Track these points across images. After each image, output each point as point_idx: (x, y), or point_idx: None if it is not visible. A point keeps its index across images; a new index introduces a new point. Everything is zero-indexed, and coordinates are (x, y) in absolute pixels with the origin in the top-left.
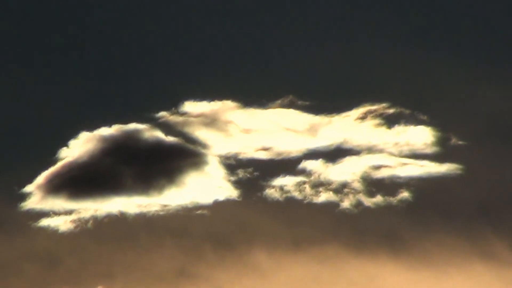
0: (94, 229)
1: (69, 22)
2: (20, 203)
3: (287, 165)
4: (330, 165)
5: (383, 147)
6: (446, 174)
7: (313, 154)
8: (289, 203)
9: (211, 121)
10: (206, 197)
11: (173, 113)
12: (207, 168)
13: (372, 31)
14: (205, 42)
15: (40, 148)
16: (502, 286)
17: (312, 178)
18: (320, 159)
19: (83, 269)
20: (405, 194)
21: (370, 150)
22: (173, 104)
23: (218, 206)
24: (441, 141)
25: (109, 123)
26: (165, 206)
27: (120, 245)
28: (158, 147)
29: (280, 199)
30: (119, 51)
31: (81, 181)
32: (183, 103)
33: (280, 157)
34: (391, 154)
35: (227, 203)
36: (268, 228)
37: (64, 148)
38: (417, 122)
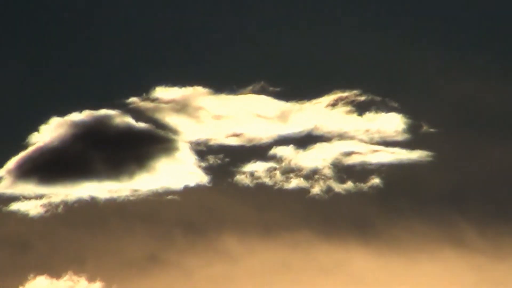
0: (64, 214)
1: (38, 8)
2: None
3: (258, 151)
4: (300, 151)
5: (354, 134)
6: (416, 161)
7: (284, 141)
8: (260, 189)
9: (181, 107)
10: (176, 183)
11: (143, 99)
12: (177, 154)
13: (343, 18)
14: (176, 27)
15: (11, 133)
16: (472, 272)
17: (283, 164)
18: (291, 146)
19: (53, 254)
20: (375, 181)
21: (341, 136)
22: (143, 90)
23: (188, 192)
24: (412, 128)
25: (79, 109)
26: (136, 191)
27: (90, 230)
28: (128, 132)
29: (251, 185)
30: (89, 37)
31: (51, 166)
32: (153, 89)
33: (251, 143)
34: (362, 141)
35: (198, 188)
36: (238, 214)
37: (35, 133)
38: (388, 109)
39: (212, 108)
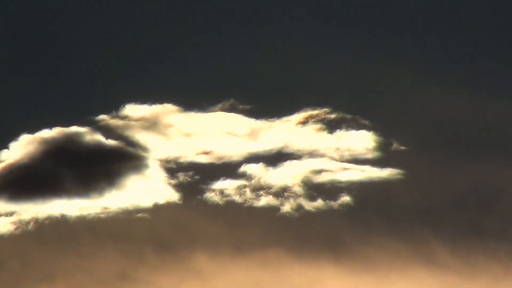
0: (35, 231)
1: (10, 23)
2: None
3: (228, 169)
4: (270, 169)
5: (324, 152)
6: (387, 179)
7: (254, 158)
8: (230, 207)
9: (151, 125)
10: (146, 200)
11: (113, 116)
12: (147, 171)
13: (313, 37)
14: (146, 45)
15: None
16: None
17: (253, 182)
18: (261, 163)
19: (24, 271)
20: (346, 199)
21: (311, 154)
22: (113, 107)
23: (158, 210)
24: (382, 146)
25: (50, 126)
26: (106, 208)
27: (61, 247)
28: (98, 150)
29: (221, 202)
30: (60, 53)
31: (22, 183)
32: (123, 106)
33: (220, 161)
34: (332, 158)
35: (168, 206)
36: (208, 232)
37: (5, 150)
38: (359, 127)
39: (182, 126)
